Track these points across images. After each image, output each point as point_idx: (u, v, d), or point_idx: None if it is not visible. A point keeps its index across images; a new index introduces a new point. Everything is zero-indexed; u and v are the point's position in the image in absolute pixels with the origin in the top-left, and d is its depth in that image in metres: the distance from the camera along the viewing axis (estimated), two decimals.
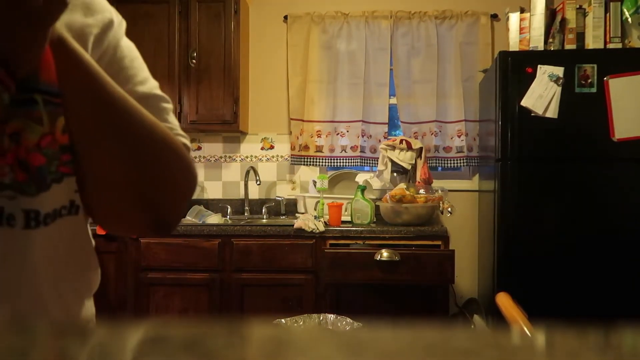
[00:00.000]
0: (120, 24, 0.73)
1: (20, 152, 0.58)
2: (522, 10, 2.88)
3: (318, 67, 3.43)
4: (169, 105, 0.75)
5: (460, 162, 3.36)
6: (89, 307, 0.73)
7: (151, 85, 0.73)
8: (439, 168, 3.45)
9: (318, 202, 3.08)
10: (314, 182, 3.26)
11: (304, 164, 3.48)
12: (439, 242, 2.75)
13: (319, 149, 3.43)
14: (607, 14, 2.71)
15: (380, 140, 3.38)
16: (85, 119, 0.61)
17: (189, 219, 3.24)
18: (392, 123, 3.52)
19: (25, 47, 0.52)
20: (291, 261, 2.80)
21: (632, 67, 2.58)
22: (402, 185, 2.93)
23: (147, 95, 0.71)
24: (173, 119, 0.74)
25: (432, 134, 3.37)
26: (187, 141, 0.73)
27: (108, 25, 0.70)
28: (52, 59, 0.57)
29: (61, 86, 0.58)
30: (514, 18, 2.88)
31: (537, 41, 2.81)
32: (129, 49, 0.73)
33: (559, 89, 2.60)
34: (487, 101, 2.99)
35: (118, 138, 0.62)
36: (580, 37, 2.78)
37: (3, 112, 0.55)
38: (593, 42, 2.73)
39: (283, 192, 3.54)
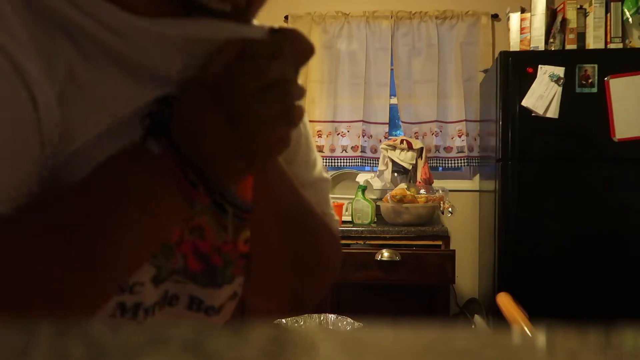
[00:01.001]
0: None
1: (200, 245, 0.57)
2: (522, 11, 2.88)
3: (319, 67, 3.43)
4: (329, 186, 0.76)
5: (460, 162, 3.36)
6: None
7: (319, 166, 0.73)
8: (440, 168, 3.45)
9: None
10: None
11: None
12: (440, 242, 2.74)
13: (319, 149, 3.43)
14: (608, 14, 2.71)
15: (380, 140, 3.38)
16: (269, 229, 0.62)
17: None
18: (393, 123, 3.52)
19: (233, 176, 0.50)
20: None
21: (633, 67, 2.58)
22: (403, 185, 2.93)
23: (318, 180, 0.72)
24: (330, 202, 0.77)
25: (432, 134, 3.37)
26: (337, 224, 0.76)
27: None
28: (253, 177, 0.57)
29: (257, 201, 0.58)
30: (515, 18, 2.88)
31: (537, 41, 2.81)
32: (305, 125, 0.70)
33: (560, 89, 2.60)
34: (488, 101, 2.99)
35: (293, 243, 0.64)
36: (581, 37, 2.78)
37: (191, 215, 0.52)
38: (594, 42, 2.73)
39: None
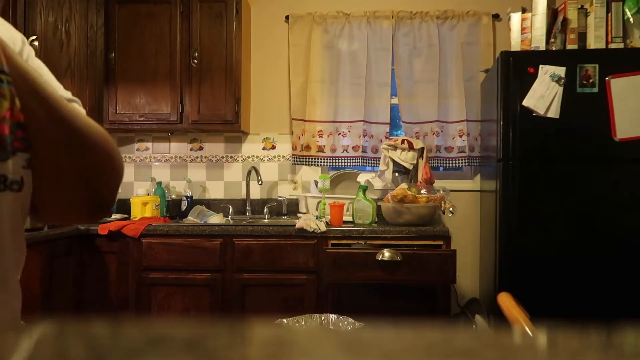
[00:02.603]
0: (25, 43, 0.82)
1: None
2: (523, 10, 2.88)
3: (320, 67, 3.43)
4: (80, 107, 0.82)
5: (461, 162, 3.36)
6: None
7: (65, 92, 0.81)
8: (441, 168, 3.45)
9: (320, 202, 3.08)
10: (316, 182, 3.26)
11: (305, 164, 3.48)
12: (441, 242, 2.74)
13: (320, 149, 3.43)
14: (609, 14, 2.71)
15: (381, 140, 3.38)
16: (33, 111, 0.66)
17: (191, 219, 3.24)
18: (394, 123, 3.51)
19: None
20: (293, 261, 2.80)
21: (634, 67, 2.58)
22: (404, 185, 2.93)
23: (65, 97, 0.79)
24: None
25: (433, 134, 3.37)
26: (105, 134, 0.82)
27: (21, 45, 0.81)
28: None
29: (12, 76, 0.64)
30: (516, 18, 2.88)
31: (538, 41, 2.80)
32: (40, 67, 0.81)
33: (561, 89, 2.60)
34: (489, 101, 2.99)
35: (61, 126, 0.69)
36: (582, 37, 2.77)
37: None
38: (595, 42, 2.73)
39: (285, 192, 3.54)
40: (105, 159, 0.75)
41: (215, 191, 3.60)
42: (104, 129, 0.76)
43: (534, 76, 2.63)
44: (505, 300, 1.33)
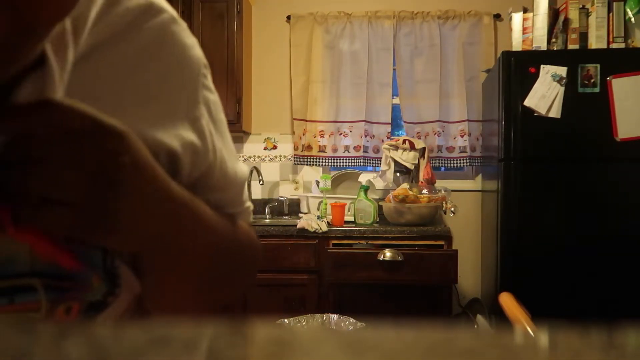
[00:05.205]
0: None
1: None
2: (525, 10, 2.88)
3: (321, 67, 3.43)
4: (245, 178, 0.66)
5: (463, 162, 3.36)
6: None
7: (232, 170, 0.62)
8: (442, 168, 3.45)
9: (321, 202, 3.08)
10: (317, 182, 3.26)
11: (307, 164, 3.48)
12: (442, 242, 2.74)
13: (322, 149, 3.43)
14: (610, 14, 2.71)
15: (383, 140, 3.38)
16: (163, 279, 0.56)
17: None
18: (395, 123, 3.51)
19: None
20: (294, 261, 2.80)
21: (635, 67, 2.57)
22: (405, 185, 2.93)
23: (234, 182, 0.63)
24: (245, 194, 0.67)
25: (435, 134, 3.36)
26: (250, 215, 0.70)
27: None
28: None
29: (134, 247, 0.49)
30: (517, 18, 2.88)
31: (540, 41, 2.80)
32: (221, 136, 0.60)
33: (562, 89, 2.59)
34: (490, 101, 2.99)
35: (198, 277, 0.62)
36: (583, 37, 2.77)
37: None
38: (596, 42, 2.72)
39: (286, 192, 3.54)
40: (235, 283, 0.68)
41: None
42: (242, 245, 0.65)
43: (535, 76, 2.62)
44: (507, 300, 1.33)
